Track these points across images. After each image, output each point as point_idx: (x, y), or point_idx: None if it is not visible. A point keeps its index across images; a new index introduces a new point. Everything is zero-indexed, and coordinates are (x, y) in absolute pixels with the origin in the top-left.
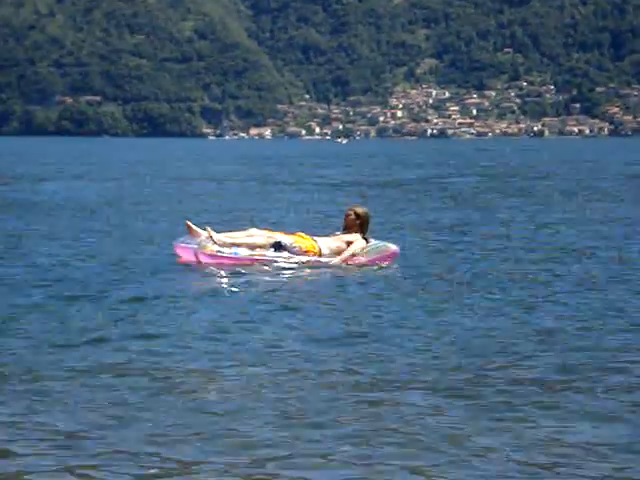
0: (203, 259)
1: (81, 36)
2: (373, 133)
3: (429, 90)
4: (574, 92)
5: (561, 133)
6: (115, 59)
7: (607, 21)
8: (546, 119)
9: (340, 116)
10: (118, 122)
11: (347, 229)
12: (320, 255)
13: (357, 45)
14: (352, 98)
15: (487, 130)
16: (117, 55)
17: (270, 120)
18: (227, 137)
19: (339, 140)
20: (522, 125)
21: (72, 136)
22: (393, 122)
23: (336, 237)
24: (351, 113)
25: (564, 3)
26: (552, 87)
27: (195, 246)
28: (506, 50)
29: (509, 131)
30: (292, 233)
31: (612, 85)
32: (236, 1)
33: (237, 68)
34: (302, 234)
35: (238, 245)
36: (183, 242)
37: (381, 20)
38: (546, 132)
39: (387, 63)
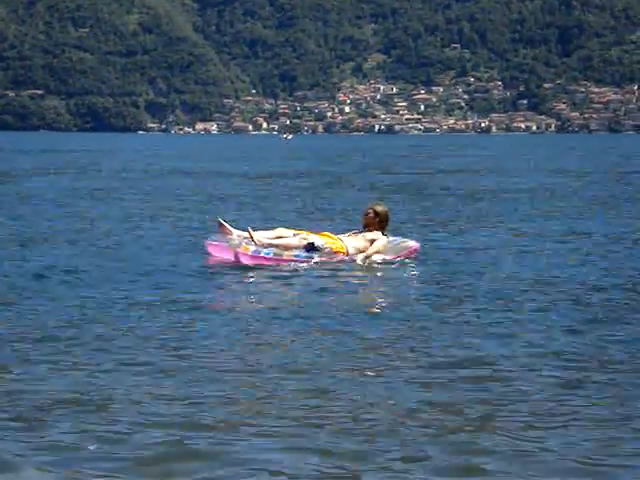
0: (243, 259)
1: (23, 29)
2: (321, 129)
3: (377, 86)
4: (521, 88)
5: (508, 129)
6: (58, 52)
7: (554, 17)
8: (493, 115)
9: (287, 111)
10: (61, 116)
11: (367, 227)
12: (347, 254)
13: (304, 40)
14: (299, 93)
15: (435, 126)
16: (60, 48)
17: (216, 115)
18: (173, 132)
19: (284, 136)
20: (470, 121)
21: (14, 130)
22: (341, 118)
23: (359, 236)
24: (298, 108)
25: None
26: (499, 83)
27: (233, 245)
28: (454, 46)
29: (457, 127)
30: (319, 233)
31: (559, 81)
32: None
33: (183, 62)
34: (329, 234)
35: (276, 246)
36: (216, 240)
37: (328, 15)
38: (493, 128)
39: (334, 58)
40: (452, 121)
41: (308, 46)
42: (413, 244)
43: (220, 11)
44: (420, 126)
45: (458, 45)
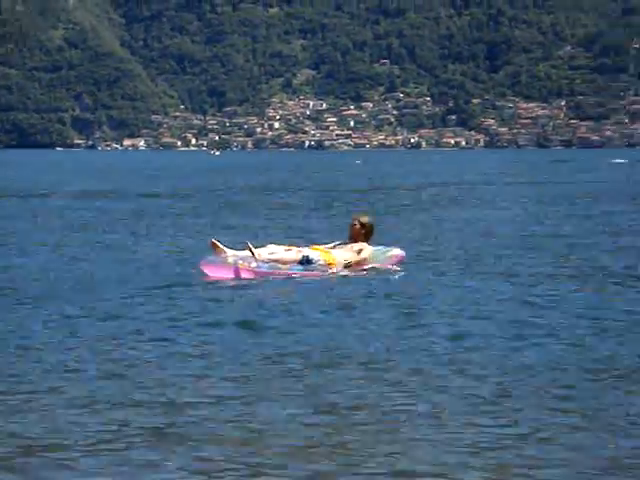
0: (245, 274)
1: None
2: (250, 144)
3: (306, 101)
4: (450, 104)
5: (438, 145)
6: None
7: (482, 33)
8: (423, 131)
9: (216, 127)
10: None
11: (353, 238)
12: (336, 266)
13: (233, 55)
14: (228, 109)
15: (365, 142)
16: None
17: (144, 131)
18: (99, 148)
19: (212, 152)
20: (399, 137)
21: None
22: (270, 133)
23: (347, 247)
24: (227, 124)
25: (439, 14)
26: (428, 99)
27: (234, 262)
28: (383, 62)
29: (387, 143)
30: (309, 246)
31: (488, 97)
32: (108, 9)
33: (109, 77)
34: (318, 247)
35: (275, 260)
36: (212, 260)
37: (257, 30)
38: (423, 144)
39: (263, 74)
40: (382, 137)
41: (237, 61)
42: (398, 252)
43: (147, 26)
44: (350, 142)
45: (387, 61)
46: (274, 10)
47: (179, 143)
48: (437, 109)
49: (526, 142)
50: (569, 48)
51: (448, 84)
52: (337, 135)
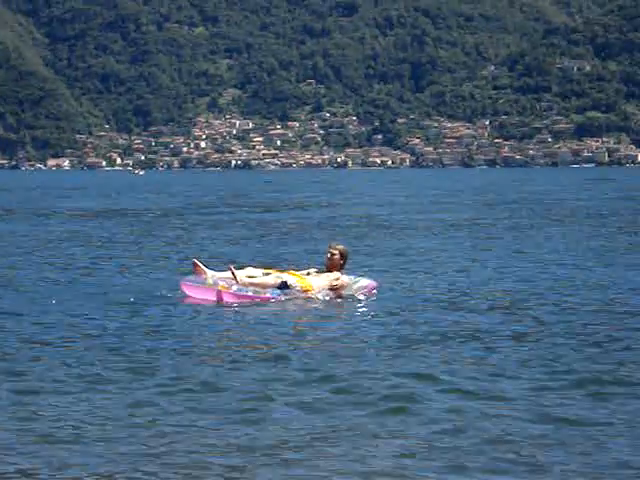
0: (226, 298)
1: None
2: (176, 164)
3: (232, 121)
4: (376, 123)
5: (364, 164)
6: None
7: (407, 53)
8: (349, 150)
9: (142, 147)
10: None
11: (331, 268)
12: (312, 292)
13: (158, 74)
14: (154, 128)
15: (291, 161)
16: None
17: (68, 151)
18: (23, 168)
19: (136, 172)
20: (326, 156)
21: None
22: (197, 153)
23: (323, 276)
24: (153, 144)
25: (364, 35)
26: (354, 118)
27: (210, 285)
28: (309, 81)
29: (313, 162)
30: (286, 271)
31: (413, 117)
32: (31, 29)
33: (33, 97)
34: (295, 272)
35: (256, 284)
36: (192, 281)
37: (182, 49)
38: (350, 163)
39: (189, 93)
40: (309, 156)
41: (162, 81)
42: (373, 282)
43: (71, 45)
44: (277, 161)
45: (313, 80)
46: (200, 29)
47: (104, 163)
48: (363, 128)
49: (451, 161)
50: (492, 68)
51: (374, 104)
52: (264, 155)
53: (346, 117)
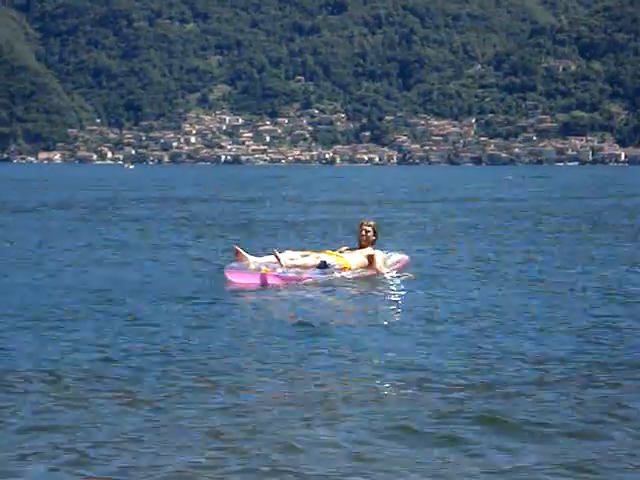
0: (270, 280)
1: None
2: (167, 159)
3: (222, 116)
4: (364, 120)
5: (352, 161)
6: None
7: (395, 51)
8: (337, 147)
9: (132, 141)
10: None
11: (365, 244)
12: (351, 270)
13: (149, 70)
14: (145, 123)
15: (280, 157)
16: None
17: (60, 144)
18: (15, 161)
19: (126, 165)
20: (314, 152)
21: None
22: (187, 148)
23: (356, 252)
24: (144, 138)
25: (353, 33)
26: (343, 115)
27: (255, 270)
28: (298, 78)
29: (302, 158)
30: (323, 251)
31: (400, 114)
32: (24, 24)
33: (25, 91)
34: (331, 252)
35: (298, 266)
36: (236, 267)
37: (173, 45)
38: (337, 160)
39: (180, 88)
40: (297, 152)
41: (153, 76)
42: (406, 257)
43: (63, 40)
44: (266, 157)
45: (302, 77)
46: (190, 26)
47: (95, 156)
48: (351, 125)
49: (437, 159)
50: (479, 67)
51: (362, 101)
52: (253, 150)
53: (334, 114)
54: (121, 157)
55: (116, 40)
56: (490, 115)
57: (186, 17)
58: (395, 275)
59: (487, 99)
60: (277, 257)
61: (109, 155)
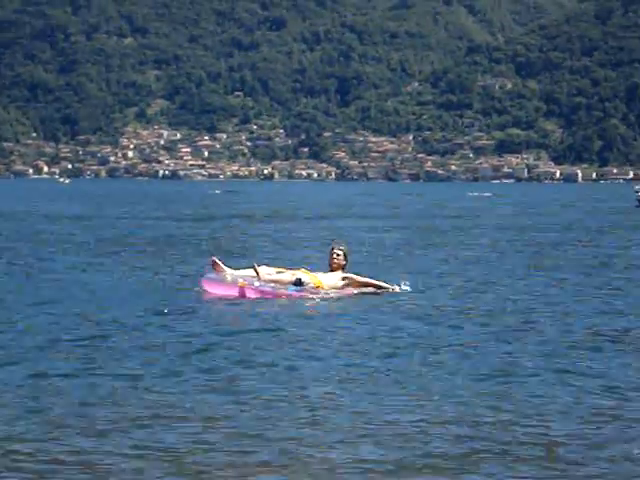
0: (248, 293)
1: None
2: (104, 173)
3: (160, 131)
4: (303, 136)
5: (291, 177)
6: None
7: (334, 68)
8: (276, 162)
9: (69, 155)
10: None
11: (335, 267)
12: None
13: (86, 84)
14: (82, 137)
15: (219, 172)
16: None
17: None
18: None
19: (61, 180)
20: (253, 168)
21: None
22: (124, 162)
23: (330, 275)
24: (81, 152)
25: (292, 49)
26: (281, 131)
27: (230, 282)
28: (237, 93)
29: (240, 173)
30: (297, 269)
31: (339, 130)
32: None
33: None
34: (305, 271)
35: (276, 281)
36: (213, 278)
37: (111, 59)
38: (276, 175)
39: (117, 103)
40: (236, 167)
41: (90, 90)
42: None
43: (0, 54)
44: (204, 172)
45: (241, 93)
46: (128, 40)
47: (31, 171)
48: (290, 141)
49: (376, 175)
50: (416, 84)
51: (300, 117)
52: (191, 165)
53: (273, 130)
54: (57, 171)
55: (53, 54)
56: (427, 132)
57: (124, 31)
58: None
59: (424, 116)
60: (256, 271)
61: (45, 169)
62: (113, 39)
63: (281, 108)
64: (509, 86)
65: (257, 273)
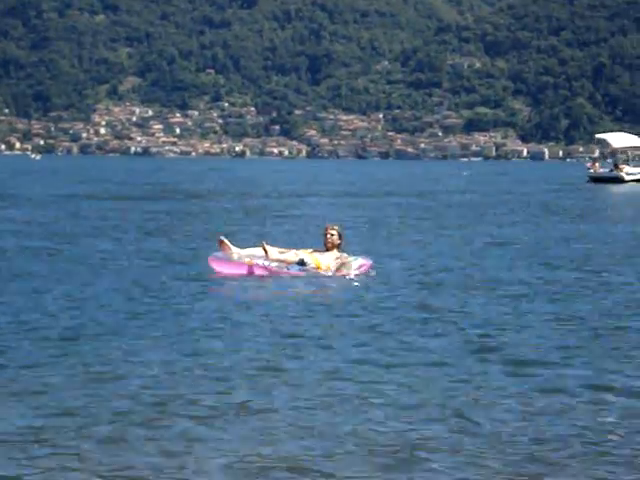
0: (257, 271)
1: None
2: (76, 149)
3: (132, 108)
4: (274, 114)
5: (262, 154)
6: None
7: (305, 46)
8: (247, 140)
9: (41, 131)
10: None
11: (330, 247)
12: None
13: (58, 61)
14: (53, 114)
15: (190, 149)
16: None
17: None
18: None
19: (33, 156)
20: (224, 145)
21: None
22: (96, 139)
23: (326, 255)
24: (53, 129)
25: (263, 27)
26: (253, 109)
27: (238, 260)
28: (208, 71)
29: (212, 151)
30: (299, 250)
31: (309, 108)
32: None
33: None
34: (305, 251)
35: (282, 260)
36: (221, 257)
37: (83, 37)
38: (248, 153)
39: (89, 80)
40: (207, 145)
41: (62, 67)
42: (368, 261)
43: None
44: (176, 149)
45: (212, 70)
46: (100, 17)
47: (3, 147)
48: (261, 119)
49: (346, 153)
50: (386, 63)
51: (271, 95)
52: (163, 142)
53: (244, 107)
54: (29, 147)
55: (25, 30)
56: (397, 111)
57: (96, 8)
58: (357, 276)
59: (394, 95)
60: (265, 250)
61: (17, 145)
62: (85, 16)
63: (252, 86)
64: (478, 65)
65: (266, 252)
